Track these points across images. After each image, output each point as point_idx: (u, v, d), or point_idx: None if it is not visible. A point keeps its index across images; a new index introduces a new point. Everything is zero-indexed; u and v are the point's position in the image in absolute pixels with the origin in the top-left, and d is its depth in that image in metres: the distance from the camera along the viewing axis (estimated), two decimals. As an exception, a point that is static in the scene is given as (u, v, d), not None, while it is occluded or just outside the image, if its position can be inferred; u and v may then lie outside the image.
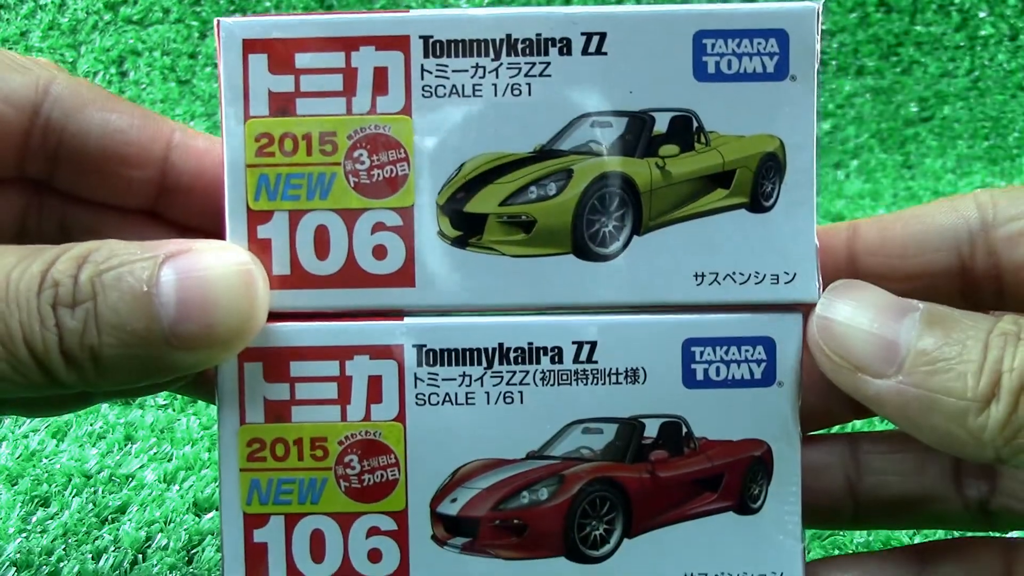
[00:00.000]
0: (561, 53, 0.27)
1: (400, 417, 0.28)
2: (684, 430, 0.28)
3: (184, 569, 0.36)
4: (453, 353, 0.28)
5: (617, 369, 0.28)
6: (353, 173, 0.27)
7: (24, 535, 0.37)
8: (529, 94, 0.27)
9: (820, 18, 0.27)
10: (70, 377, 0.24)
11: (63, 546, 0.37)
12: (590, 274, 0.28)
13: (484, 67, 0.27)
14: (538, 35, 0.27)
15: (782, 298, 0.27)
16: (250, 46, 0.28)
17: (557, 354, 0.28)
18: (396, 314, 0.27)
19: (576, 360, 0.28)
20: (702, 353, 0.28)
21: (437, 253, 0.27)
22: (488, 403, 0.28)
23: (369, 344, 0.27)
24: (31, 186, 0.30)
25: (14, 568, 0.35)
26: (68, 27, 0.94)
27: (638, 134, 0.28)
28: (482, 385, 0.28)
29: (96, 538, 0.37)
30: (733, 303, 0.28)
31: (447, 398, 0.28)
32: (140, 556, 0.37)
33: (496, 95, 0.27)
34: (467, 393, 0.28)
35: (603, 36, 0.27)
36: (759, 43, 0.27)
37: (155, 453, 0.42)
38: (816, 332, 0.26)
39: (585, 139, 0.28)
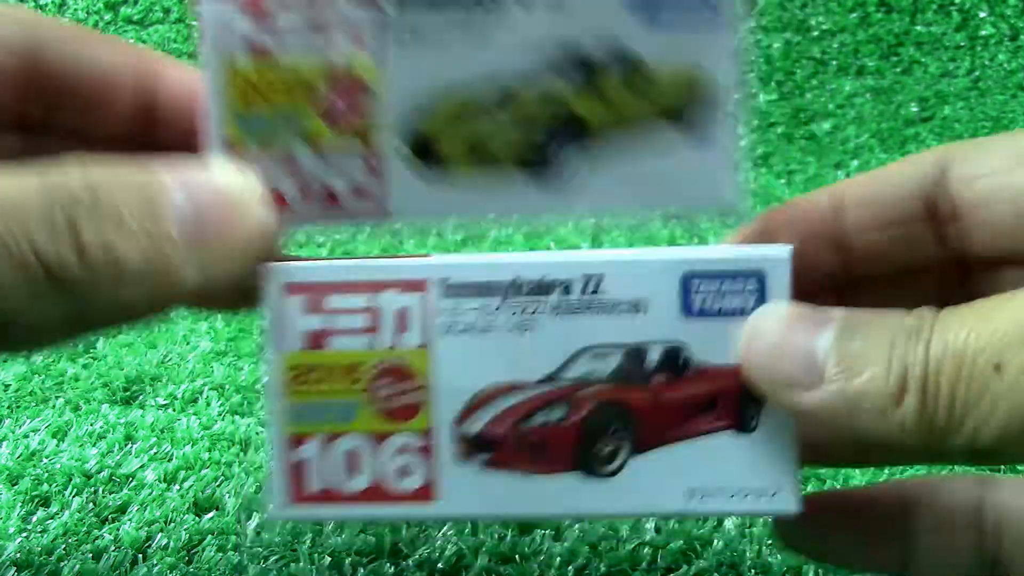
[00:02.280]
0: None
1: (425, 344, 0.31)
2: (683, 356, 0.31)
3: (184, 569, 0.36)
4: (474, 287, 0.31)
5: (622, 300, 0.31)
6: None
7: (24, 535, 0.37)
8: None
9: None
10: (84, 273, 0.24)
11: (63, 546, 0.37)
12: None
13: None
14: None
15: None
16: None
17: (567, 287, 0.31)
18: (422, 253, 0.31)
19: (584, 292, 0.31)
20: (699, 285, 0.31)
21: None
22: (505, 332, 0.31)
23: (398, 279, 0.31)
24: (28, 128, 0.31)
25: (14, 568, 0.35)
26: (68, 27, 0.94)
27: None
28: (499, 315, 0.31)
29: (96, 538, 0.37)
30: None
31: (468, 327, 0.31)
32: (140, 556, 0.37)
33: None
34: (486, 322, 0.31)
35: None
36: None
37: (155, 453, 0.42)
38: (746, 357, 0.28)
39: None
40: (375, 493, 0.31)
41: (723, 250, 0.31)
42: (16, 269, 0.24)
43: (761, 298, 0.30)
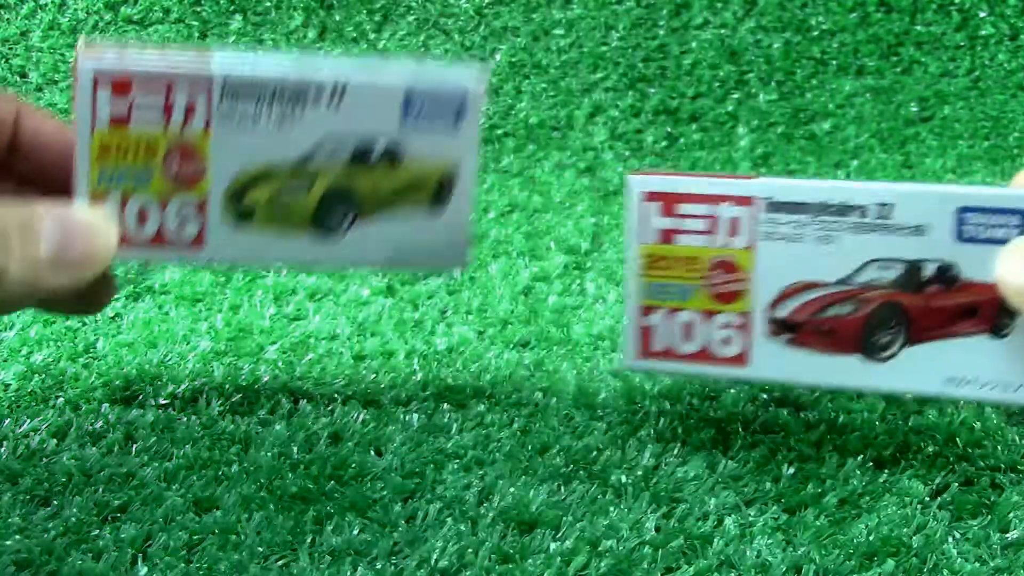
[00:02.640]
0: (860, 215, 0.40)
1: (750, 246, 0.41)
2: (953, 272, 0.40)
3: (184, 569, 0.36)
4: (791, 205, 0.40)
5: (907, 224, 0.40)
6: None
7: (25, 535, 0.37)
8: (291, 127, 0.40)
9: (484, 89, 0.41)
10: None
11: (63, 546, 0.37)
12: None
13: (804, 222, 0.41)
14: (846, 201, 0.40)
15: (1011, 401, 0.40)
16: (650, 196, 0.42)
17: (863, 211, 0.40)
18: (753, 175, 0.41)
19: (877, 216, 0.40)
20: (972, 217, 0.39)
21: (221, 229, 0.41)
22: (812, 241, 0.40)
23: (734, 194, 0.41)
24: None
25: (14, 567, 0.35)
26: (68, 27, 0.94)
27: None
28: (808, 228, 0.40)
29: (96, 538, 0.37)
30: (972, 399, 0.40)
31: (783, 236, 0.40)
32: (140, 556, 0.36)
33: (813, 241, 0.40)
34: (798, 233, 0.41)
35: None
36: (1007, 218, 0.39)
37: (155, 452, 0.42)
38: (1000, 273, 0.38)
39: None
40: (703, 356, 0.42)
41: (995, 190, 0.39)
42: None
43: (1023, 232, 0.38)
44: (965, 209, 0.39)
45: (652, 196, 0.41)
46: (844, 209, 0.40)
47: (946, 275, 0.40)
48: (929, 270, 0.40)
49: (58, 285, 0.37)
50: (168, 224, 0.40)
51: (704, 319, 0.41)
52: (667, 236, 0.41)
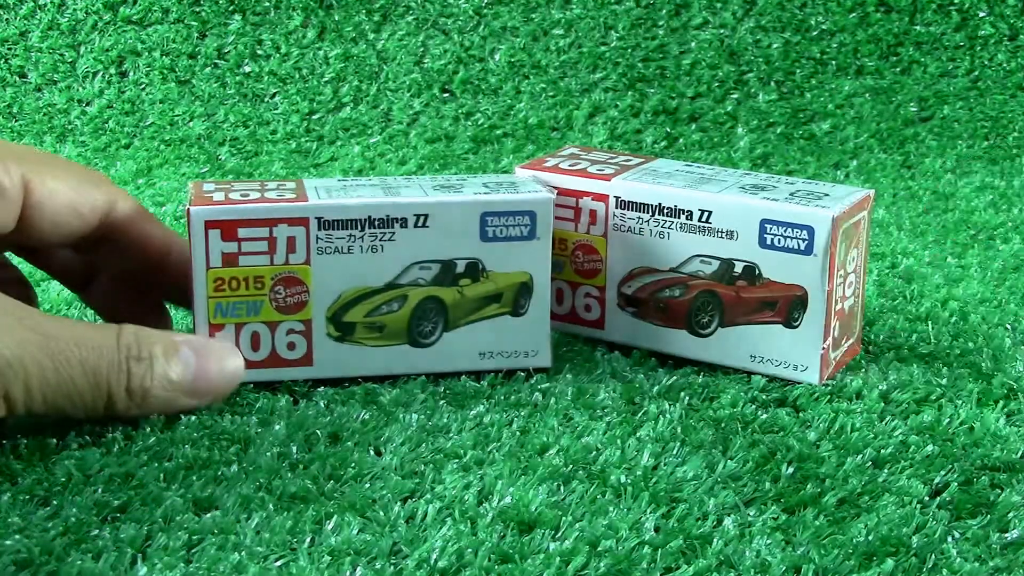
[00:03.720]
0: (401, 227, 0.46)
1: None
2: (757, 271, 0.48)
3: (184, 569, 0.36)
4: (635, 204, 0.50)
5: (722, 228, 0.48)
6: (274, 299, 0.46)
7: (25, 534, 0.37)
8: (382, 251, 0.47)
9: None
10: (123, 405, 0.42)
11: (63, 545, 0.37)
12: (417, 355, 0.48)
13: (355, 235, 0.46)
14: (387, 216, 0.46)
15: (524, 365, 0.50)
16: (210, 224, 0.45)
17: (689, 214, 0.49)
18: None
19: (700, 220, 0.49)
20: (771, 227, 0.47)
21: (327, 346, 0.47)
22: (652, 236, 0.50)
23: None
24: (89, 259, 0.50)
25: (14, 567, 0.35)
26: (67, 27, 0.94)
27: (725, 270, 0.49)
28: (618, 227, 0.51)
29: (96, 538, 0.37)
30: (769, 374, 0.50)
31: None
32: (140, 556, 0.37)
33: (362, 252, 0.46)
34: (640, 228, 0.50)
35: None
36: (519, 218, 0.47)
37: (156, 452, 0.42)
38: None
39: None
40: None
41: (790, 206, 0.47)
42: (94, 393, 0.41)
43: (811, 245, 0.47)
44: (766, 221, 0.47)
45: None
46: (675, 211, 0.49)
47: (752, 273, 0.48)
48: (739, 268, 0.49)
49: (189, 407, 0.44)
50: (279, 347, 0.47)
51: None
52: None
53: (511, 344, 0.48)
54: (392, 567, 0.36)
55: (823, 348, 0.48)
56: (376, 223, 0.46)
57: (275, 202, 0.45)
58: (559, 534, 0.38)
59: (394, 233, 0.46)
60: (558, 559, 0.37)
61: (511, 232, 0.47)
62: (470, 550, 0.37)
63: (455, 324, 0.48)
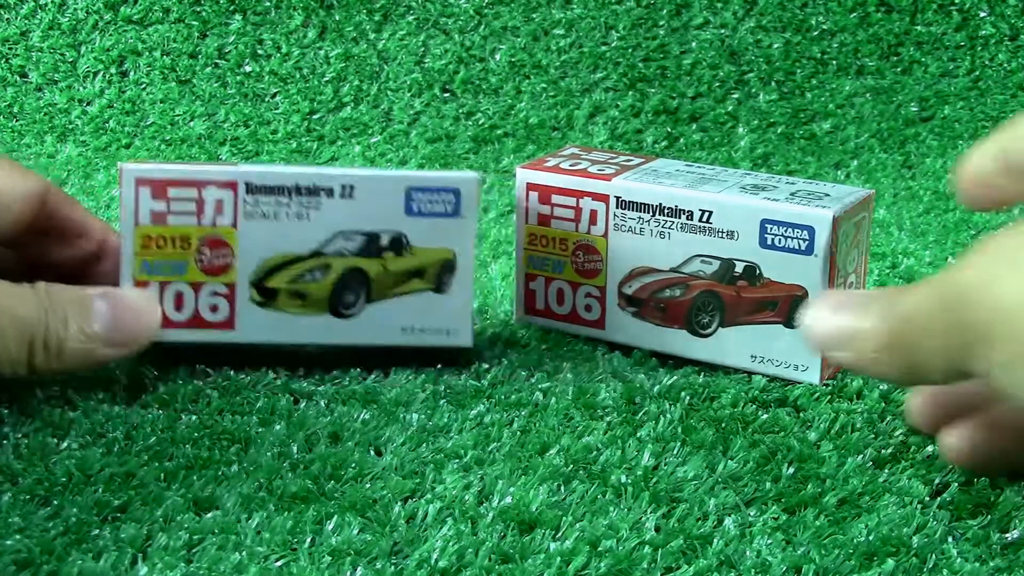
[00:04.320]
0: (328, 196, 0.47)
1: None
2: (758, 271, 0.49)
3: (184, 569, 0.36)
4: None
5: (723, 229, 0.49)
6: (199, 260, 0.47)
7: (25, 534, 0.37)
8: (308, 219, 0.47)
9: (839, 221, 0.47)
10: (41, 359, 0.42)
11: (63, 545, 0.37)
12: (339, 326, 0.48)
13: (281, 201, 0.47)
14: (314, 184, 0.47)
15: (445, 343, 0.49)
16: (140, 182, 0.46)
17: (690, 214, 0.49)
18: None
19: (700, 220, 0.49)
20: (771, 228, 0.48)
21: (249, 311, 0.48)
22: (652, 236, 0.51)
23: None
24: (22, 251, 0.49)
25: (14, 567, 0.35)
26: (68, 27, 0.94)
27: (726, 270, 0.49)
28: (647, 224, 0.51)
29: (96, 537, 0.37)
30: (769, 374, 0.50)
31: (264, 214, 0.48)
32: (140, 556, 0.37)
33: (288, 219, 0.47)
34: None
35: (711, 212, 0.49)
36: (444, 195, 0.48)
37: (156, 452, 0.42)
38: (807, 327, 0.40)
39: (696, 268, 0.50)
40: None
41: (790, 206, 0.47)
42: (18, 344, 0.42)
43: (811, 245, 0.47)
44: (767, 221, 0.48)
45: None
46: (675, 211, 0.50)
47: (752, 273, 0.49)
48: (739, 267, 0.49)
49: (107, 358, 0.44)
50: (202, 309, 0.47)
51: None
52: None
53: (432, 321, 0.48)
54: (392, 567, 0.36)
55: None
56: (303, 191, 0.47)
57: (205, 165, 0.47)
58: (559, 534, 0.38)
59: (320, 202, 0.47)
60: (558, 559, 0.37)
61: (435, 208, 0.47)
62: (470, 550, 0.37)
63: (378, 297, 0.48)
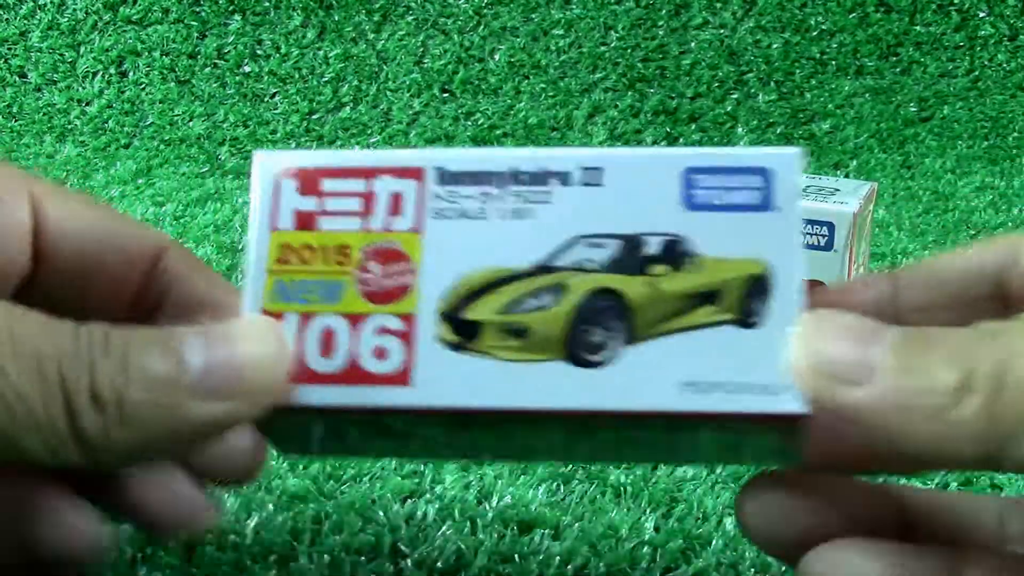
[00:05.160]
0: (561, 184, 0.30)
1: (417, 229, 0.30)
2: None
3: (184, 569, 0.36)
4: (470, 176, 0.30)
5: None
6: (362, 281, 0.29)
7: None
8: (532, 217, 0.30)
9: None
10: (92, 421, 0.25)
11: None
12: (580, 381, 0.29)
13: (491, 194, 0.30)
14: (542, 168, 0.30)
15: (768, 410, 0.28)
16: (284, 173, 0.31)
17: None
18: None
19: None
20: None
21: (436, 357, 0.29)
22: (501, 219, 0.30)
23: (393, 166, 0.30)
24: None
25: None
26: (67, 27, 0.94)
27: (631, 253, 0.30)
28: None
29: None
30: (718, 413, 0.28)
31: (463, 213, 0.30)
32: (140, 556, 0.37)
33: (501, 218, 0.30)
34: (480, 208, 0.30)
35: (600, 170, 0.30)
36: (817, 228, 0.36)
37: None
38: (794, 352, 0.26)
39: (579, 257, 0.30)
40: (349, 375, 0.29)
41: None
42: (46, 398, 0.25)
43: (831, 240, 0.35)
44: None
45: (287, 172, 0.31)
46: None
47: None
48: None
49: (204, 420, 0.26)
50: (362, 354, 0.29)
51: (351, 325, 0.29)
52: (307, 221, 0.30)
53: (736, 372, 0.28)
54: (392, 567, 0.36)
55: None
56: (524, 178, 0.30)
57: (377, 155, 0.31)
58: (559, 534, 0.38)
59: (550, 192, 0.30)
60: (558, 559, 0.37)
61: (733, 199, 0.30)
62: (470, 550, 0.37)
63: (643, 334, 0.29)
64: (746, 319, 0.29)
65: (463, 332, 0.29)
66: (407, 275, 0.30)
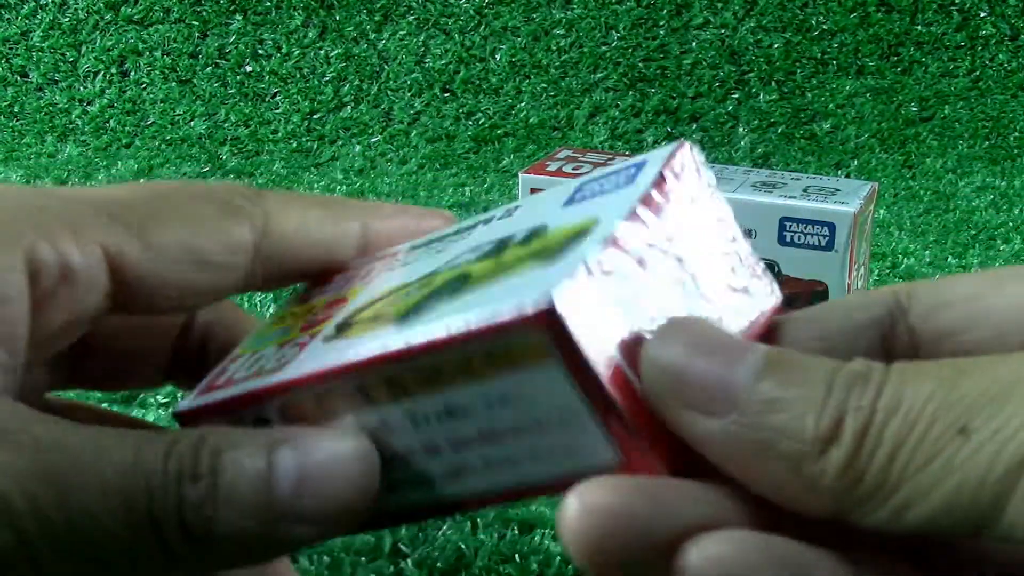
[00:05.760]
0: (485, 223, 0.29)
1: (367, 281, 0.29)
2: (776, 269, 0.49)
3: (184, 568, 0.36)
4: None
5: (739, 228, 0.32)
6: (308, 322, 0.28)
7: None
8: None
9: (857, 217, 0.47)
10: (182, 549, 0.24)
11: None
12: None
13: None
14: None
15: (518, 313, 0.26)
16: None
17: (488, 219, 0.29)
18: None
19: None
20: (791, 225, 0.48)
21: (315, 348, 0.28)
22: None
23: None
24: None
25: (15, 567, 0.35)
26: (69, 27, 0.94)
27: None
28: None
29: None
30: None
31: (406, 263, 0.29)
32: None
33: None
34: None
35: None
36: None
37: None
38: (646, 367, 0.22)
39: None
40: None
41: (809, 203, 0.48)
42: (133, 534, 0.24)
43: (832, 240, 0.47)
44: (785, 219, 0.48)
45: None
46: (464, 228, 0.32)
47: (770, 272, 0.37)
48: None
49: (298, 541, 0.25)
50: (264, 366, 0.28)
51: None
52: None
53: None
54: (392, 567, 0.36)
55: None
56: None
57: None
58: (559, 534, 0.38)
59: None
60: (558, 559, 0.37)
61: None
62: (470, 550, 0.37)
63: None
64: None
65: (341, 329, 0.26)
66: (338, 308, 0.28)
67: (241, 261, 0.28)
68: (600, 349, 0.20)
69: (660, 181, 0.23)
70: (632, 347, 0.21)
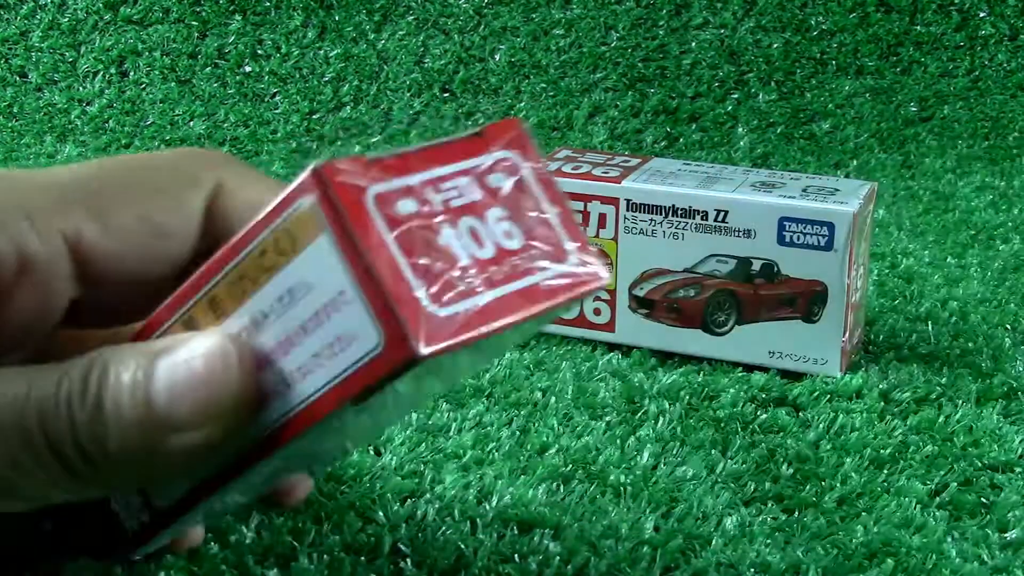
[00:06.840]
0: (702, 219, 0.50)
1: (615, 238, 0.51)
2: (775, 268, 0.50)
3: (185, 568, 0.36)
4: (647, 207, 0.50)
5: (739, 228, 0.50)
6: None
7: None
8: (683, 239, 0.50)
9: (857, 217, 0.48)
10: (87, 470, 0.26)
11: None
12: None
13: (656, 220, 0.50)
14: (690, 207, 0.50)
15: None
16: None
17: (705, 215, 0.50)
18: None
19: (716, 220, 0.50)
20: (790, 225, 0.49)
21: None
22: (665, 237, 0.51)
23: (601, 195, 0.51)
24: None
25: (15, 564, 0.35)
26: (68, 27, 0.94)
27: (742, 269, 0.50)
28: (661, 226, 0.51)
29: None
30: (789, 368, 0.50)
31: (643, 231, 0.51)
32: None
33: (664, 236, 0.51)
34: (652, 230, 0.51)
35: (727, 212, 0.50)
36: (817, 227, 0.48)
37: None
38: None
39: (711, 268, 0.51)
40: (580, 322, 0.53)
41: (810, 204, 0.49)
42: (36, 462, 0.26)
43: (831, 240, 0.48)
44: (785, 218, 0.49)
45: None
46: (690, 212, 0.50)
47: (770, 271, 0.50)
48: (756, 266, 0.50)
49: (185, 450, 0.26)
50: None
51: None
52: None
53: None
54: (392, 567, 0.36)
55: (843, 340, 0.49)
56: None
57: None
58: (559, 534, 0.38)
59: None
60: (558, 559, 0.37)
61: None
62: (470, 550, 0.37)
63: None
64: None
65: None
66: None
67: (194, 228, 0.29)
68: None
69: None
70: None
